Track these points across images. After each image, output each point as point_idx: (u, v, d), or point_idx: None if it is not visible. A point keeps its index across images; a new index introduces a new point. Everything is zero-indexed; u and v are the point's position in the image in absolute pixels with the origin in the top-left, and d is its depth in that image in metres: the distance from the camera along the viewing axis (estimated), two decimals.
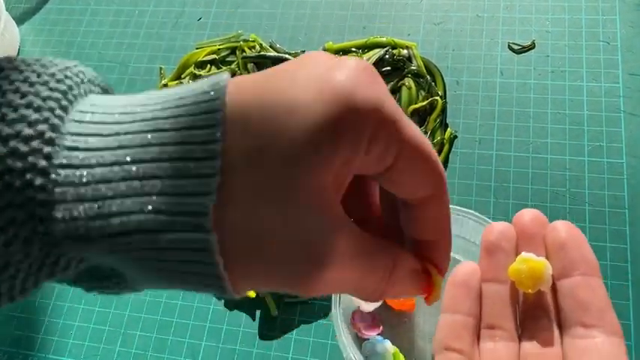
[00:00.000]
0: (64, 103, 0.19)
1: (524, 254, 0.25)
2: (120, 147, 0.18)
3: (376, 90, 0.19)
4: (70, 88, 0.19)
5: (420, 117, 0.53)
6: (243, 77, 0.20)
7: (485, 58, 0.56)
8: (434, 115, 0.53)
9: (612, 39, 0.54)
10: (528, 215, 0.26)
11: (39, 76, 0.19)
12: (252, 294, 0.48)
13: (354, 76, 0.19)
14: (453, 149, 0.53)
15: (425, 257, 0.24)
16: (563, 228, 0.26)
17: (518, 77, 0.55)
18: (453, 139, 0.53)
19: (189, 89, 0.19)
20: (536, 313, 0.25)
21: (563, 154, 0.51)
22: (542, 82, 0.54)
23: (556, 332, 0.25)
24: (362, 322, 0.44)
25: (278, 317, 0.48)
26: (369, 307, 0.44)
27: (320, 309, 0.48)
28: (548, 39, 0.56)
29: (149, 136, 0.18)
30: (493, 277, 0.26)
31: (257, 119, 0.18)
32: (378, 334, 0.44)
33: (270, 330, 0.48)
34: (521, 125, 0.53)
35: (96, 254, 0.19)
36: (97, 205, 0.18)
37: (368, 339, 0.44)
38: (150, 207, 0.18)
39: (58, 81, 0.19)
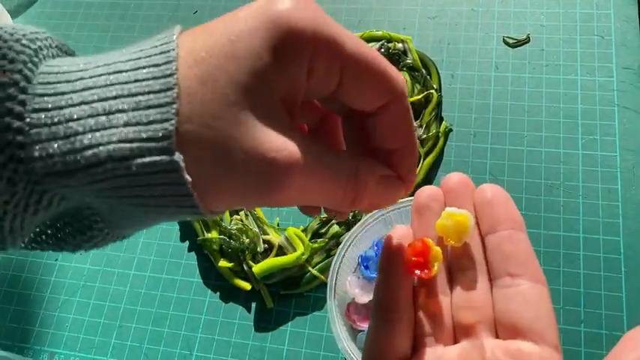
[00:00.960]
0: (35, 59, 0.21)
1: (447, 209, 0.27)
2: (85, 89, 0.20)
3: (311, 12, 0.21)
4: (40, 48, 0.21)
5: (416, 110, 0.53)
6: (196, 27, 0.22)
7: (481, 51, 0.56)
8: (429, 109, 0.53)
9: (607, 33, 0.55)
10: (455, 178, 0.28)
11: (12, 35, 0.21)
12: (247, 285, 0.49)
13: (288, 3, 0.21)
14: (448, 142, 0.53)
15: (393, 169, 0.26)
16: (489, 189, 0.27)
17: (513, 71, 0.55)
18: (448, 132, 0.53)
19: (145, 41, 0.22)
20: (465, 265, 0.27)
21: (557, 148, 0.51)
22: (536, 75, 0.54)
23: (486, 283, 0.26)
24: (356, 314, 0.45)
25: (273, 309, 0.49)
26: (363, 299, 0.44)
27: (315, 301, 0.48)
28: (543, 33, 0.56)
29: (111, 77, 0.20)
30: (424, 236, 0.27)
31: (206, 51, 0.21)
32: None
33: (265, 322, 0.48)
34: (515, 119, 0.53)
35: (75, 190, 0.20)
36: (69, 141, 0.19)
37: (362, 330, 0.44)
38: (117, 137, 0.20)
39: (30, 40, 0.21)
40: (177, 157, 0.20)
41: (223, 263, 0.49)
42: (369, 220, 0.45)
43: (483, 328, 0.25)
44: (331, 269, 0.44)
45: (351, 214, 0.50)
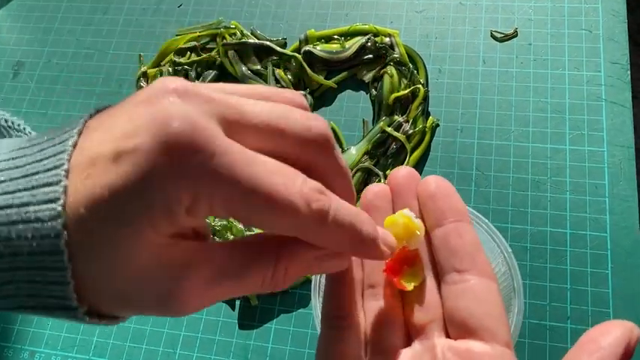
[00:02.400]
0: None
1: (406, 211, 0.26)
2: None
3: (211, 146, 0.19)
4: None
5: (402, 105, 0.53)
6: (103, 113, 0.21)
7: (468, 46, 0.56)
8: (416, 104, 0.52)
9: (594, 27, 0.54)
10: (402, 172, 0.28)
11: None
12: None
13: (189, 132, 0.19)
14: (434, 138, 0.52)
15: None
16: (432, 181, 0.27)
17: (500, 65, 0.55)
18: (434, 127, 0.52)
19: (41, 142, 0.21)
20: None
21: (544, 143, 0.51)
22: (524, 70, 0.54)
23: (433, 281, 0.26)
24: None
25: (258, 307, 0.48)
26: None
27: (300, 298, 0.48)
28: (531, 27, 0.55)
29: None
30: None
31: (94, 160, 0.19)
32: None
33: (249, 320, 0.48)
34: (502, 114, 0.52)
35: None
36: None
37: None
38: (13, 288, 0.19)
39: None
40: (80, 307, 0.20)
41: None
42: None
43: (435, 327, 0.25)
44: None
45: None
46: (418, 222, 0.26)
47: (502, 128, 0.52)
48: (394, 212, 0.27)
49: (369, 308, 0.26)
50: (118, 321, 0.22)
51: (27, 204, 0.19)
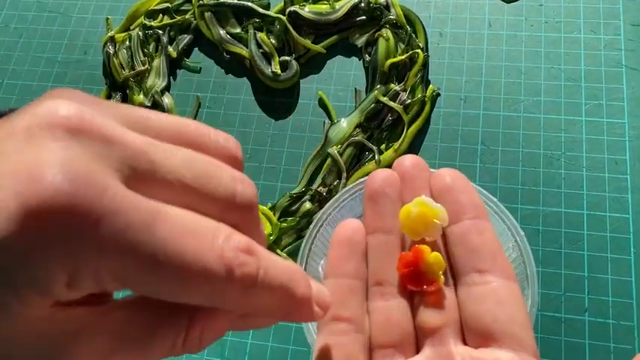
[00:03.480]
0: None
1: (423, 197, 0.24)
2: None
3: (90, 203, 0.15)
4: None
5: (399, 72, 0.47)
6: None
7: (472, 7, 0.50)
8: (414, 70, 0.47)
9: None
10: (408, 160, 0.26)
11: None
12: None
13: (65, 187, 0.14)
14: (435, 108, 0.47)
15: None
16: (447, 173, 0.25)
17: (508, 29, 0.49)
18: (435, 97, 0.47)
19: None
20: None
21: (558, 114, 0.45)
22: (534, 34, 0.48)
23: (449, 280, 0.24)
24: None
25: None
26: None
27: None
28: None
29: None
30: (379, 227, 0.25)
31: None
32: None
33: None
34: (511, 82, 0.47)
35: None
36: None
37: None
38: None
39: None
40: None
41: None
42: (345, 195, 0.39)
43: (450, 332, 0.22)
44: (300, 252, 0.38)
45: (326, 189, 0.44)
46: (439, 208, 0.23)
47: (510, 98, 0.46)
48: (403, 203, 0.25)
49: (374, 309, 0.23)
50: None
51: None
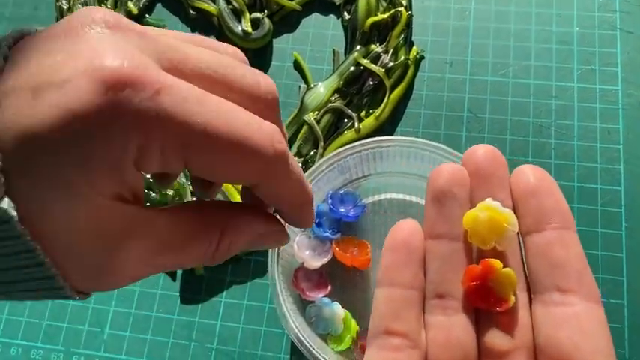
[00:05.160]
0: None
1: (489, 201, 0.21)
2: None
3: (149, 81, 0.17)
4: None
5: (381, 33, 0.44)
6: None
7: None
8: (397, 31, 0.43)
9: None
10: (481, 152, 0.22)
11: None
12: None
13: (124, 66, 0.16)
14: (419, 72, 0.43)
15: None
16: (531, 172, 0.22)
17: None
18: (419, 60, 0.43)
19: None
20: None
21: (548, 80, 0.42)
22: None
23: (524, 296, 0.21)
24: (306, 281, 0.36)
25: (204, 277, 0.39)
26: (314, 263, 0.36)
27: (256, 266, 0.39)
28: None
29: None
30: (443, 233, 0.22)
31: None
32: (325, 296, 0.35)
33: (194, 292, 0.39)
34: (499, 44, 0.44)
35: None
36: None
37: (312, 302, 0.35)
38: None
39: None
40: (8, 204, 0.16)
41: None
42: (322, 167, 0.36)
43: (521, 358, 0.19)
44: None
45: (301, 159, 0.41)
46: (508, 213, 0.21)
47: (499, 62, 0.43)
48: (472, 206, 0.22)
49: (433, 324, 0.21)
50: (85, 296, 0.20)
51: None
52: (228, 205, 0.23)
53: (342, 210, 0.37)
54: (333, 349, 0.34)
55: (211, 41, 0.21)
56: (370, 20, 0.43)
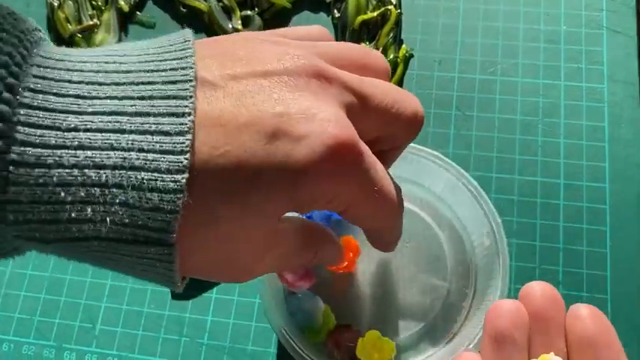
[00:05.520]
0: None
1: (552, 356, 0.20)
2: (79, 147, 0.17)
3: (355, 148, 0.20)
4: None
5: (370, 31, 0.44)
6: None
7: None
8: (386, 29, 0.43)
9: None
10: (539, 291, 0.22)
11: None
12: None
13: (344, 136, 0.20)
14: (408, 70, 0.44)
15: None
16: (589, 317, 0.21)
17: None
18: (408, 58, 0.44)
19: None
20: None
21: (536, 78, 0.43)
22: None
23: None
24: (291, 272, 0.36)
25: None
26: (300, 286, 0.36)
27: None
28: None
29: (112, 137, 0.17)
30: None
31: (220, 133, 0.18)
32: (309, 289, 0.36)
33: (185, 288, 0.39)
34: (488, 43, 0.44)
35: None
36: (53, 209, 0.17)
37: (295, 293, 0.36)
38: (111, 218, 0.17)
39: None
40: (175, 250, 0.18)
41: None
42: None
43: None
44: None
45: None
46: None
47: (487, 60, 0.44)
48: (531, 353, 0.21)
49: None
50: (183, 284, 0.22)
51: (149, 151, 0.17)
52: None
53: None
54: (310, 340, 0.34)
55: (359, 51, 0.23)
56: (360, 18, 0.43)
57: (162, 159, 0.17)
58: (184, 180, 0.17)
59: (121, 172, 0.17)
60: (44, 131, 0.16)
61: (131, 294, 0.40)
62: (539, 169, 0.40)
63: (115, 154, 0.17)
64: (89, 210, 0.17)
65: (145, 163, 0.17)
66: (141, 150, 0.17)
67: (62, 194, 0.17)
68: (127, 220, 0.17)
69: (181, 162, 0.17)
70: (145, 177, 0.17)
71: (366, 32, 0.44)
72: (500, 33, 0.44)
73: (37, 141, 0.16)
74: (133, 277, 0.21)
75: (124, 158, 0.17)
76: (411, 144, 0.35)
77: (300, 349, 0.32)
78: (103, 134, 0.17)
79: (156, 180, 0.17)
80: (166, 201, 0.17)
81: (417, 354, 0.35)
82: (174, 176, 0.17)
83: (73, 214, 0.17)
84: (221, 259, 0.20)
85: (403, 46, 0.44)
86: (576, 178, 0.40)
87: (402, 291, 0.36)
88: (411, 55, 0.44)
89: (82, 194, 0.17)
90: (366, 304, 0.36)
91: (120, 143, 0.17)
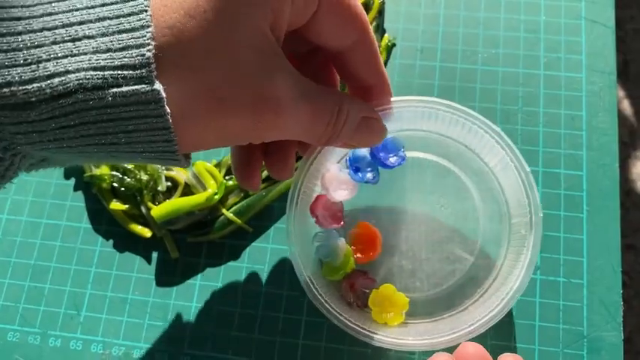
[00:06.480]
0: None
1: None
2: (45, 14, 0.18)
3: None
4: None
5: None
6: None
7: None
8: (369, 18, 0.44)
9: None
10: (471, 350, 0.26)
11: None
12: (146, 232, 0.40)
13: None
14: (390, 59, 0.44)
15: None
16: None
17: None
18: (390, 47, 0.44)
19: None
20: None
21: (516, 67, 0.44)
22: None
23: None
24: (323, 210, 0.36)
25: (179, 260, 0.40)
26: (337, 196, 0.36)
27: (231, 249, 0.40)
28: None
29: (74, 1, 0.19)
30: None
31: None
32: (336, 229, 0.36)
33: (169, 275, 0.40)
34: (469, 32, 0.45)
35: (36, 145, 0.19)
36: (31, 69, 0.18)
37: (323, 230, 0.36)
38: (87, 64, 0.18)
39: None
40: (158, 86, 0.19)
41: (116, 205, 0.40)
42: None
43: None
44: (290, 195, 0.35)
45: None
46: None
47: (468, 49, 0.44)
48: None
49: None
50: (189, 162, 0.23)
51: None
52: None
53: (382, 155, 0.36)
54: (325, 276, 0.35)
55: None
56: None
57: (125, 7, 0.19)
58: (149, 17, 0.19)
59: (89, 25, 0.19)
60: (9, 10, 0.18)
61: (116, 281, 0.40)
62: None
63: (79, 12, 0.19)
64: (66, 61, 0.18)
65: (110, 12, 0.19)
66: (103, 4, 0.19)
67: (37, 54, 0.18)
68: (103, 63, 0.18)
69: (141, 4, 0.19)
70: (112, 24, 0.19)
71: None
72: (481, 23, 0.45)
73: (5, 16, 0.18)
74: (134, 158, 0.21)
75: (90, 14, 0.19)
76: (473, 115, 0.35)
77: (314, 284, 0.33)
78: (67, 1, 0.19)
79: (122, 23, 0.19)
80: (136, 37, 0.19)
81: (427, 316, 0.36)
82: (139, 15, 0.19)
83: (50, 68, 0.18)
84: (225, 93, 0.20)
85: (386, 35, 0.44)
86: (554, 166, 0.41)
87: (426, 253, 0.37)
88: (394, 44, 0.44)
89: (56, 50, 0.18)
90: (387, 256, 0.37)
91: (83, 4, 0.19)
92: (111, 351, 0.38)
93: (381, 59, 0.28)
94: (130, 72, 0.18)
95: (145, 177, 0.40)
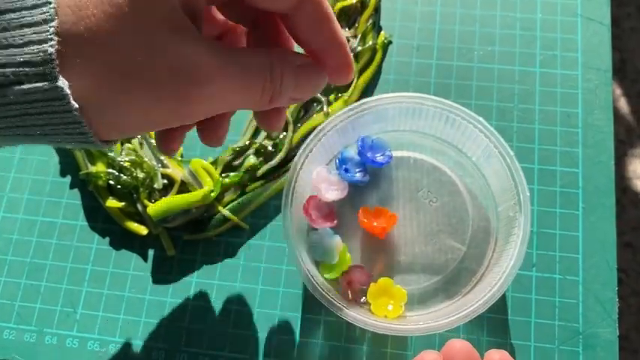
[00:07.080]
0: None
1: None
2: None
3: None
4: None
5: (349, 17, 0.44)
6: None
7: None
8: (365, 16, 0.44)
9: None
10: (457, 346, 0.27)
11: None
12: (142, 230, 0.40)
13: None
14: (386, 57, 0.44)
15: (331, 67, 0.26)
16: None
17: None
18: (387, 45, 0.44)
19: None
20: None
21: (512, 64, 0.44)
22: None
23: None
24: (316, 210, 0.37)
25: (175, 258, 0.40)
26: (328, 196, 0.37)
27: (227, 247, 0.40)
28: None
29: None
30: None
31: None
32: (331, 228, 0.37)
33: (165, 273, 0.40)
34: (465, 30, 0.45)
35: None
36: None
37: (317, 230, 0.37)
38: None
39: None
40: (62, 82, 0.18)
41: (112, 203, 0.40)
42: (357, 109, 0.37)
43: None
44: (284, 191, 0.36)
45: (271, 142, 0.42)
46: None
47: (464, 47, 0.44)
48: None
49: None
50: (111, 144, 0.22)
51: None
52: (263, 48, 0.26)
53: (369, 155, 0.38)
54: (323, 275, 0.36)
55: None
56: (339, 5, 0.44)
57: (27, 2, 0.18)
58: (52, 10, 0.18)
59: None
60: None
61: (112, 278, 0.40)
62: (514, 154, 0.41)
63: None
64: None
65: (12, 4, 0.18)
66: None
67: None
68: (4, 60, 0.18)
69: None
70: (14, 17, 0.18)
71: (346, 19, 0.44)
72: (477, 20, 0.45)
73: None
74: (60, 145, 0.21)
75: None
76: (456, 107, 0.36)
77: (313, 277, 0.34)
78: None
79: (25, 17, 0.18)
80: (38, 32, 0.18)
81: (425, 307, 0.37)
82: (42, 8, 0.18)
83: None
84: (137, 67, 0.20)
85: (382, 32, 0.44)
86: (550, 163, 0.41)
87: (420, 246, 0.38)
88: (390, 42, 0.44)
89: None
90: (382, 253, 0.38)
91: None
92: (107, 348, 0.38)
93: (336, 21, 0.25)
94: (33, 69, 0.18)
95: (141, 174, 0.40)
